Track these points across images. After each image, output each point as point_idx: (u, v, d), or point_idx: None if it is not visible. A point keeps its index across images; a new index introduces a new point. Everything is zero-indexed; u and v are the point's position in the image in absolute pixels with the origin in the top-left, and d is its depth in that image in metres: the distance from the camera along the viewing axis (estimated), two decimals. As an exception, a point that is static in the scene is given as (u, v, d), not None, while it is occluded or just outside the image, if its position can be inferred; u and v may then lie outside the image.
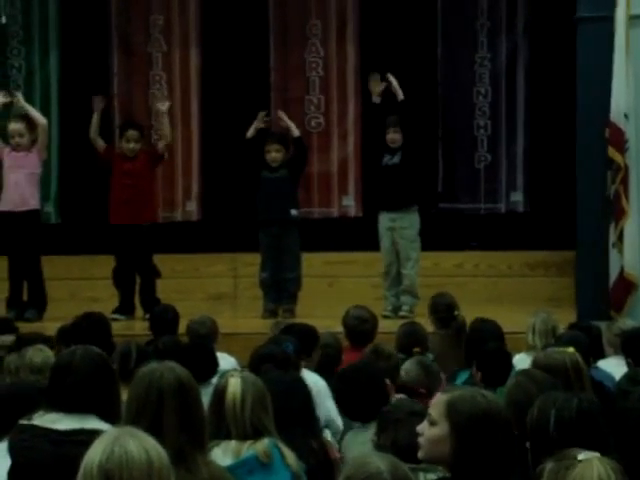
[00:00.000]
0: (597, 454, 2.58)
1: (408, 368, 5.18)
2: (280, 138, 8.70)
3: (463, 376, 5.80)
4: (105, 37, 10.19)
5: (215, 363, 5.43)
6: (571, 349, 4.23)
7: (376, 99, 8.63)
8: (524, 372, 4.14)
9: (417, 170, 8.71)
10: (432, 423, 3.01)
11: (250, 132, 8.71)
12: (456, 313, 6.56)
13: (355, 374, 4.60)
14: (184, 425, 3.19)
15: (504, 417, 3.02)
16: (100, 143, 8.71)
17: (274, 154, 8.57)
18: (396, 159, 8.57)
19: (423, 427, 3.05)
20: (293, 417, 3.95)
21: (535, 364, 4.13)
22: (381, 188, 8.71)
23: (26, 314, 8.41)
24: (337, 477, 3.49)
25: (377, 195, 8.87)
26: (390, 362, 5.13)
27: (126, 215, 8.53)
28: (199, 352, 5.44)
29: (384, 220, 8.61)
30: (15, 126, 8.44)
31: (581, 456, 2.56)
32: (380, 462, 2.57)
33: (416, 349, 6.02)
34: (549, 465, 2.60)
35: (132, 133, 8.65)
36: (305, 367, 5.44)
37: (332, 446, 4.17)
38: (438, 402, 3.07)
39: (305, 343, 5.62)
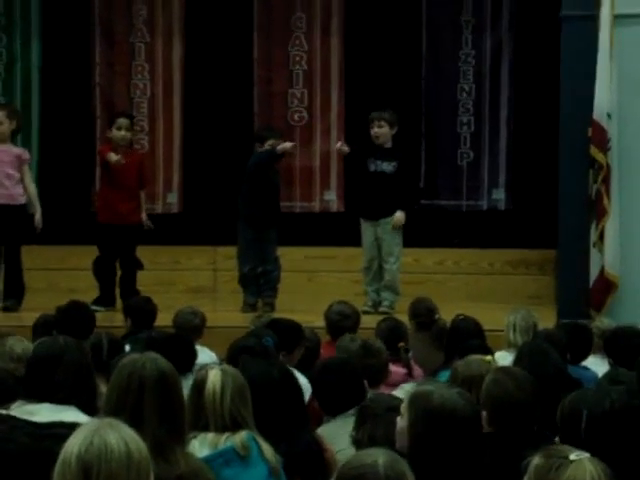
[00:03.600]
0: (587, 454, 2.56)
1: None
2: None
3: (444, 376, 5.78)
4: (87, 26, 10.12)
5: (194, 355, 5.41)
6: (488, 357, 4.29)
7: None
8: (502, 369, 4.15)
9: (414, 185, 8.60)
10: (401, 415, 3.13)
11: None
12: (437, 317, 6.48)
13: (336, 367, 4.57)
14: (164, 416, 3.18)
15: (461, 414, 3.05)
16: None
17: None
18: (386, 167, 8.35)
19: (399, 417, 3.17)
20: (285, 409, 3.93)
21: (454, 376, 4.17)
22: (367, 196, 8.41)
23: (6, 302, 8.36)
24: (330, 470, 3.50)
25: (361, 203, 8.56)
26: (380, 358, 5.11)
27: (118, 216, 8.46)
28: (181, 343, 5.43)
29: (366, 221, 8.51)
30: None
31: (572, 456, 2.53)
32: (379, 456, 2.54)
33: (401, 344, 6.00)
34: (536, 461, 2.57)
35: (123, 121, 8.59)
36: (284, 363, 5.41)
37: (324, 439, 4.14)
38: (406, 395, 3.16)
39: (288, 339, 5.60)
